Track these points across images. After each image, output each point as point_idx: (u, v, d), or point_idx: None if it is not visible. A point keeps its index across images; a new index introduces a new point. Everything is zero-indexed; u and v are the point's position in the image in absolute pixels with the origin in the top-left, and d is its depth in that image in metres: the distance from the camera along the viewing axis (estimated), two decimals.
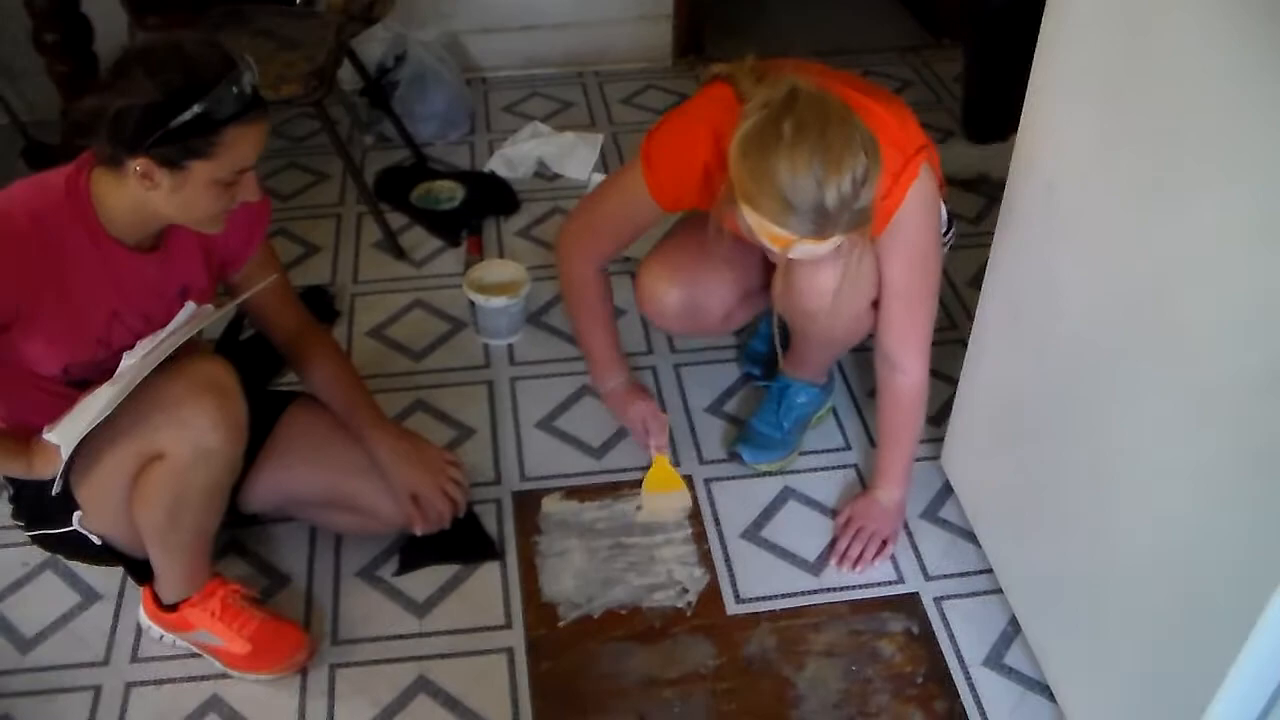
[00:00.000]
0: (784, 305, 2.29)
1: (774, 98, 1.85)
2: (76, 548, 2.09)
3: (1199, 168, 1.51)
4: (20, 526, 2.10)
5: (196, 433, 1.87)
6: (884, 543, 2.34)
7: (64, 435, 1.82)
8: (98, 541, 2.04)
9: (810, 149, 1.79)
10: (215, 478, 1.96)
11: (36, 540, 2.12)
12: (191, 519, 2.00)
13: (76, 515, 2.00)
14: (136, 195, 1.80)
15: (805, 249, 1.90)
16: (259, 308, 2.17)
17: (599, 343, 2.52)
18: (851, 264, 2.07)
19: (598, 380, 2.57)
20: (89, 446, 1.88)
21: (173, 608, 2.11)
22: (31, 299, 1.78)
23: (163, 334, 1.92)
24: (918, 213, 2.06)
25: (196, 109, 1.71)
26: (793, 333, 2.45)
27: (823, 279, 2.15)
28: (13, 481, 2.03)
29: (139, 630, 2.21)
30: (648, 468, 2.50)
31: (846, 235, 1.89)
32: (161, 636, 2.17)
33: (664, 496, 2.46)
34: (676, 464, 2.54)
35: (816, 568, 2.33)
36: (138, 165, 1.74)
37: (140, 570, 2.12)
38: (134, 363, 1.86)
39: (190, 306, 1.95)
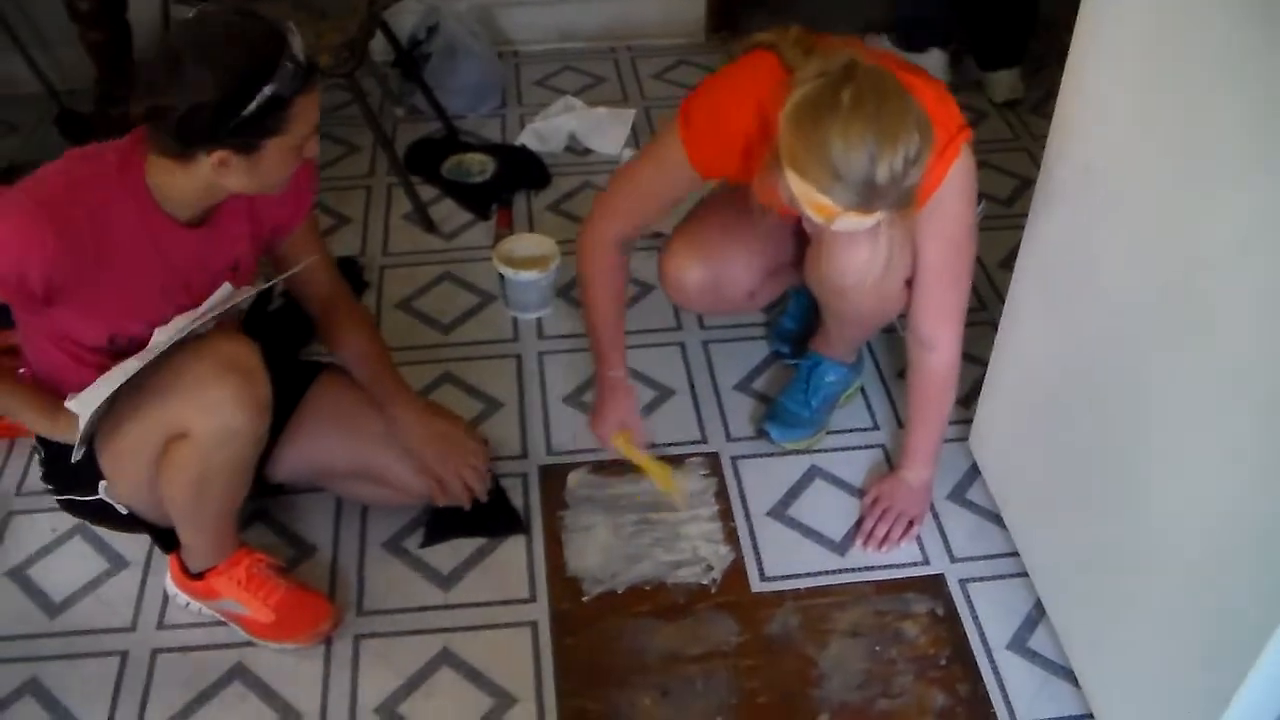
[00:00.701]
0: (816, 282, 2.29)
1: (831, 68, 1.83)
2: (103, 515, 2.11)
3: (1238, 149, 1.50)
4: (50, 491, 2.12)
5: (221, 413, 1.87)
6: (910, 523, 2.33)
7: (83, 404, 1.83)
8: (124, 510, 2.06)
9: (866, 121, 1.77)
10: (240, 455, 1.97)
11: (65, 506, 2.13)
12: (216, 495, 2.01)
13: (102, 485, 2.01)
14: (207, 179, 1.81)
15: (848, 222, 1.88)
16: (297, 275, 2.17)
17: (610, 329, 2.44)
18: (887, 242, 2.07)
19: (601, 364, 2.48)
20: (113, 420, 1.89)
21: (199, 575, 2.12)
22: (73, 274, 1.79)
23: (199, 311, 1.92)
24: (957, 192, 2.04)
25: (266, 92, 1.72)
26: (823, 310, 2.45)
27: (857, 256, 2.14)
28: (45, 446, 2.04)
29: (165, 597, 2.22)
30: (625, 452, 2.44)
31: (890, 212, 1.88)
32: (188, 604, 2.19)
33: (679, 477, 2.45)
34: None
35: (842, 547, 2.32)
36: (214, 157, 1.75)
37: (166, 538, 2.14)
38: (164, 339, 1.87)
39: (227, 287, 1.96)
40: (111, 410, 1.87)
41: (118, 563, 2.29)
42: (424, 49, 3.61)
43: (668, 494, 2.38)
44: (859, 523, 2.36)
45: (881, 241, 2.09)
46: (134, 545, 2.29)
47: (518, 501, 2.41)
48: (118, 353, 1.88)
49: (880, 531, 2.32)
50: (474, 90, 3.67)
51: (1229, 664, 1.56)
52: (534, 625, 2.18)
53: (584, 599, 2.22)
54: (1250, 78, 1.46)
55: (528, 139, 3.54)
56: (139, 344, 1.88)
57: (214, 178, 1.80)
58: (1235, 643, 1.55)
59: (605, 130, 3.56)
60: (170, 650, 2.14)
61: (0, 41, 3.47)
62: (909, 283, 2.20)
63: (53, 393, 1.92)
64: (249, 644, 2.14)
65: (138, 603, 2.22)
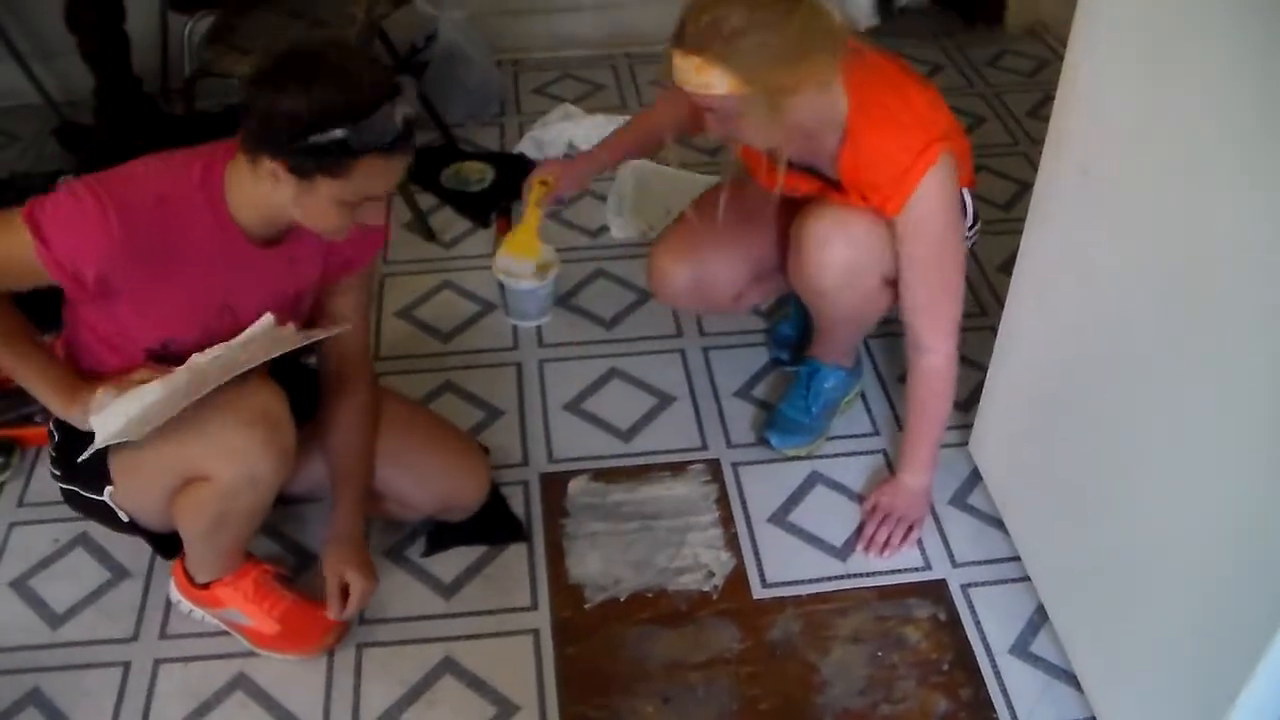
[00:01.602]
0: (797, 283, 2.31)
1: None
2: (102, 515, 2.09)
3: (1236, 151, 1.50)
4: (55, 477, 2.09)
5: (246, 462, 1.87)
6: (910, 528, 2.33)
7: (103, 425, 1.82)
8: (125, 519, 2.05)
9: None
10: (260, 500, 1.97)
11: (66, 496, 2.10)
12: (233, 532, 2.03)
13: (109, 490, 2.00)
14: (264, 189, 1.81)
15: (677, 66, 1.93)
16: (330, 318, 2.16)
17: (617, 135, 2.63)
18: (864, 241, 2.11)
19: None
20: (131, 446, 1.87)
21: (204, 585, 2.12)
22: (133, 275, 1.80)
23: (236, 342, 1.91)
24: (935, 195, 2.06)
25: (338, 134, 1.71)
26: (810, 311, 2.46)
27: (833, 256, 2.17)
28: (60, 430, 2.02)
29: (168, 607, 2.22)
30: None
31: (722, 77, 1.90)
32: (190, 611, 2.18)
33: (516, 259, 2.61)
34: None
35: (843, 553, 2.32)
36: (271, 165, 1.76)
37: (166, 545, 2.13)
38: (203, 364, 1.86)
39: (268, 318, 1.95)
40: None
41: (119, 573, 2.29)
42: (422, 57, 3.62)
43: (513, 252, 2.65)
44: (860, 528, 2.36)
45: (858, 241, 2.13)
46: (136, 556, 2.29)
47: (519, 510, 2.41)
48: (168, 358, 1.89)
49: (880, 537, 2.32)
50: (472, 98, 3.68)
51: (1231, 667, 1.56)
52: (535, 633, 2.18)
53: (585, 606, 2.22)
54: (1248, 79, 1.46)
55: (526, 147, 3.54)
56: (192, 353, 1.88)
57: (267, 186, 1.80)
58: (1238, 646, 1.55)
59: (603, 137, 3.55)
60: (172, 660, 2.14)
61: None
62: (892, 283, 2.22)
63: (75, 373, 1.91)
64: (251, 654, 2.14)
65: (140, 613, 2.22)
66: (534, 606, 2.23)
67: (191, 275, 1.86)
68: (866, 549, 2.32)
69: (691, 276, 2.42)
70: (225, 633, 2.16)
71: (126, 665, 2.13)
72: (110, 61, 3.25)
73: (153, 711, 2.06)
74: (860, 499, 2.43)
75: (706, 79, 1.92)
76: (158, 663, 2.14)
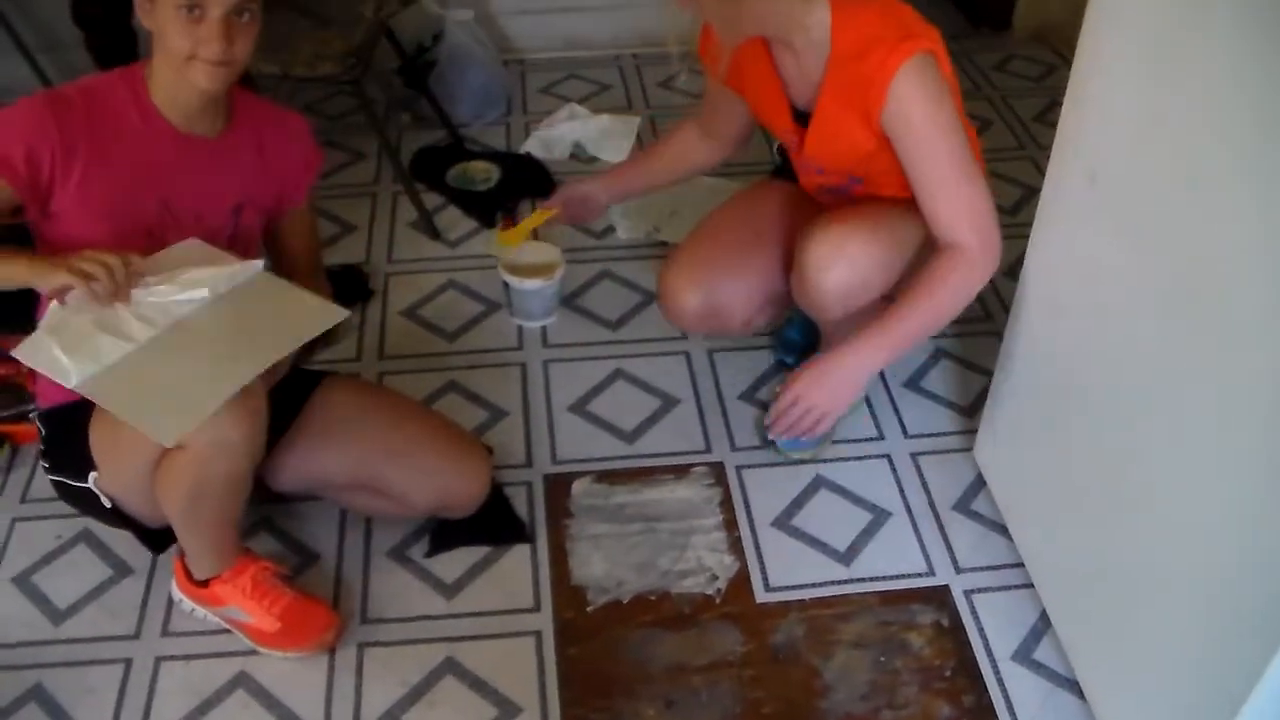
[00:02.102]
0: (800, 299, 2.31)
1: None
2: (88, 505, 2.08)
3: (1244, 158, 1.49)
4: (45, 468, 2.10)
5: (217, 427, 1.84)
6: (819, 419, 2.20)
7: (28, 353, 1.83)
8: (107, 504, 2.04)
9: None
10: (235, 468, 1.95)
11: (55, 486, 2.11)
12: (212, 505, 2.00)
13: (93, 475, 2.00)
14: (154, 43, 1.90)
15: None
16: (282, 241, 2.24)
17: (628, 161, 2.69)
18: (863, 261, 2.13)
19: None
20: (108, 421, 1.87)
21: (204, 583, 2.12)
22: (67, 158, 1.86)
23: (203, 254, 1.95)
24: (917, 89, 2.02)
25: None
26: (817, 323, 2.45)
27: (834, 277, 2.17)
28: (46, 423, 2.05)
29: (170, 605, 2.22)
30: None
31: None
32: (193, 610, 2.18)
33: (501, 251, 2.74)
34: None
35: (847, 558, 2.32)
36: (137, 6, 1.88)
37: (154, 538, 2.14)
38: (139, 296, 1.86)
39: (194, 242, 1.98)
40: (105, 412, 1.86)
41: (122, 570, 2.29)
42: (429, 56, 3.62)
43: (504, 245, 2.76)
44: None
45: (857, 263, 2.15)
46: (138, 553, 2.28)
47: (522, 510, 2.40)
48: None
49: (781, 425, 2.21)
50: (479, 98, 3.67)
51: (1236, 676, 1.55)
52: (538, 635, 2.17)
53: (588, 608, 2.21)
54: (1256, 86, 1.46)
55: (532, 147, 3.54)
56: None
57: (153, 35, 1.89)
58: (1242, 654, 1.55)
59: (610, 138, 3.56)
60: (174, 658, 2.14)
61: (5, 46, 3.48)
62: (887, 297, 2.25)
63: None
64: (253, 652, 2.13)
65: (142, 610, 2.22)
66: (536, 608, 2.22)
67: (121, 164, 1.90)
68: (771, 425, 2.24)
69: (705, 302, 2.41)
70: (227, 631, 2.16)
71: (128, 662, 2.13)
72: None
73: (154, 709, 2.06)
74: (865, 504, 2.43)
75: None
76: (159, 660, 2.14)
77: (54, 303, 1.84)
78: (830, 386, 2.18)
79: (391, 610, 2.22)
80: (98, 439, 1.96)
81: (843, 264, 2.16)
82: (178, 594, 2.20)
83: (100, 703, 2.07)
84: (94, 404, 1.84)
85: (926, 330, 2.18)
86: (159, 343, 1.84)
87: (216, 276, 1.92)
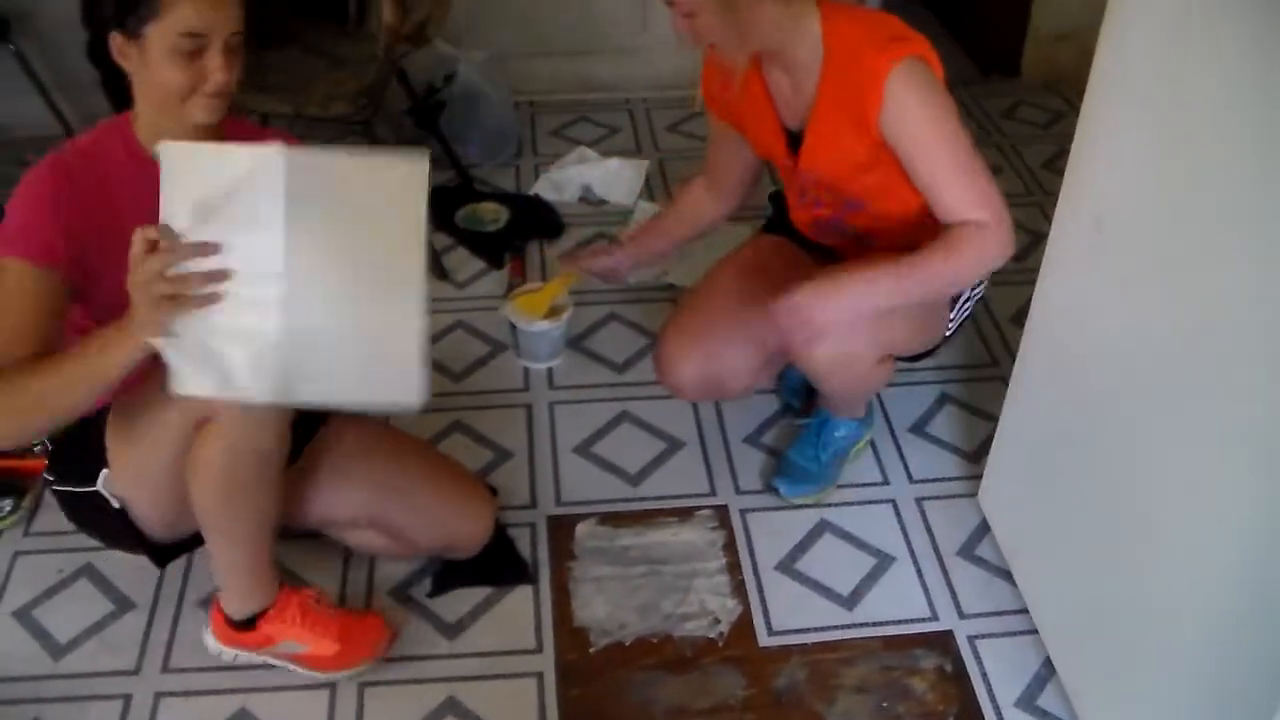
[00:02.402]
0: (796, 362, 2.31)
1: None
2: (94, 512, 2.03)
3: (1251, 207, 1.50)
4: (49, 483, 2.07)
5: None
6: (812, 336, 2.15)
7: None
8: (116, 505, 1.98)
9: None
10: (265, 445, 1.86)
11: (60, 498, 2.07)
12: (248, 501, 1.91)
13: (103, 474, 1.96)
14: (135, 82, 1.86)
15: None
16: None
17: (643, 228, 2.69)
18: (849, 334, 2.14)
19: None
20: (129, 408, 1.86)
21: (249, 624, 2.07)
22: (85, 221, 1.81)
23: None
24: (912, 87, 2.03)
25: None
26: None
27: (817, 349, 2.18)
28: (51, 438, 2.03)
29: (171, 640, 2.22)
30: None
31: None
32: (235, 657, 2.14)
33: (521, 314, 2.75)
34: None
35: (850, 602, 2.31)
36: (115, 44, 1.81)
37: (158, 552, 2.10)
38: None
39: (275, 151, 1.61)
40: (126, 397, 1.85)
41: (123, 605, 2.29)
42: (440, 97, 3.64)
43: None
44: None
45: (845, 336, 2.14)
46: (140, 588, 2.29)
47: (525, 551, 2.40)
48: None
49: (784, 320, 2.12)
50: (489, 139, 3.69)
51: None
52: (539, 676, 2.17)
53: (590, 650, 2.21)
54: (1263, 131, 1.47)
55: (542, 189, 3.55)
56: None
57: (134, 76, 1.85)
58: (1247, 702, 1.54)
59: (619, 181, 3.58)
60: (174, 694, 2.13)
61: (22, 84, 3.50)
62: (890, 359, 2.30)
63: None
64: (253, 689, 2.12)
65: (142, 645, 2.21)
66: (539, 649, 2.21)
67: (127, 216, 1.75)
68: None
69: (702, 373, 2.39)
70: (228, 668, 2.15)
71: (128, 698, 2.13)
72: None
73: None
74: (869, 549, 2.42)
75: None
76: (159, 696, 2.13)
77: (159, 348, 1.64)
78: (831, 301, 2.09)
79: (393, 650, 2.20)
80: (116, 432, 1.93)
81: (829, 339, 2.15)
82: (217, 646, 2.14)
83: None
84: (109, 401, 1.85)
85: (935, 287, 2.15)
86: (293, 318, 1.60)
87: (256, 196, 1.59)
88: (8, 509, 2.44)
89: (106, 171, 1.86)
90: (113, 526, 2.05)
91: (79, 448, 1.97)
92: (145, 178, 1.84)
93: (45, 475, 2.08)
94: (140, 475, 1.96)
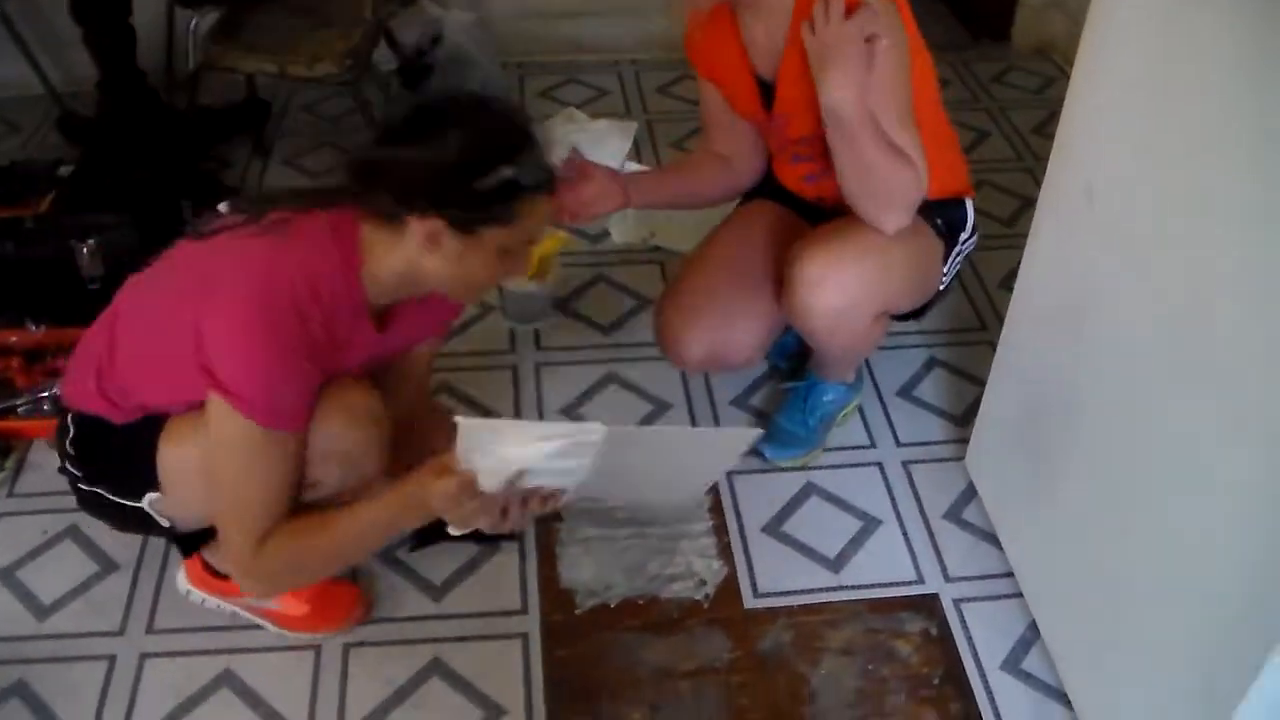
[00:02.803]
0: (791, 322, 2.30)
1: None
2: (125, 518, 1.98)
3: (1242, 174, 1.49)
4: (75, 478, 1.96)
5: (355, 466, 1.86)
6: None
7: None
8: (165, 523, 1.94)
9: None
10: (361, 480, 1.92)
11: (84, 495, 1.97)
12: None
13: (152, 497, 1.88)
14: (410, 258, 1.76)
15: None
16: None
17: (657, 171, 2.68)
18: (853, 284, 2.13)
19: None
20: (189, 442, 1.81)
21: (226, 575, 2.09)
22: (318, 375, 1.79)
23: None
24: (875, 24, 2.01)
25: (506, 173, 1.68)
26: (810, 345, 2.45)
27: (817, 301, 2.16)
28: (79, 423, 1.91)
29: (155, 601, 2.21)
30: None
31: None
32: (203, 600, 2.15)
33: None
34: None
35: (836, 565, 2.31)
36: (425, 226, 1.70)
37: (186, 542, 2.10)
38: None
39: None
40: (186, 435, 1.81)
41: (108, 566, 2.28)
42: (428, 59, 3.61)
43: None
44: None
45: (847, 286, 2.14)
46: (124, 549, 2.28)
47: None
48: None
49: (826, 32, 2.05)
50: None
51: (1224, 689, 1.55)
52: (525, 637, 2.17)
53: (576, 611, 2.20)
54: (1255, 101, 1.46)
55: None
56: None
57: (417, 256, 1.75)
58: (1230, 667, 1.54)
59: (608, 142, 3.55)
60: (159, 655, 2.13)
61: (3, 42, 3.47)
62: (885, 316, 2.28)
63: (393, 484, 1.83)
64: (238, 650, 2.12)
65: (127, 606, 2.21)
66: (524, 610, 2.21)
67: (342, 355, 1.83)
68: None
69: (708, 349, 2.37)
70: (213, 629, 2.15)
71: (112, 659, 2.12)
72: (115, 54, 3.24)
73: (137, 706, 2.05)
74: (856, 511, 2.42)
75: None
76: (144, 657, 2.13)
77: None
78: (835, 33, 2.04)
79: (378, 610, 2.21)
80: (175, 468, 1.85)
81: (831, 287, 2.14)
82: (189, 588, 2.16)
83: (83, 699, 2.06)
84: (160, 421, 1.83)
85: (864, 159, 2.08)
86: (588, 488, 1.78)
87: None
88: None
89: (333, 319, 1.76)
90: (134, 521, 1.98)
91: (125, 462, 1.89)
92: (360, 324, 1.83)
93: (70, 470, 1.95)
94: (199, 509, 1.91)
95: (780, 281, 2.24)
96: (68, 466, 1.95)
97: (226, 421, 1.70)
